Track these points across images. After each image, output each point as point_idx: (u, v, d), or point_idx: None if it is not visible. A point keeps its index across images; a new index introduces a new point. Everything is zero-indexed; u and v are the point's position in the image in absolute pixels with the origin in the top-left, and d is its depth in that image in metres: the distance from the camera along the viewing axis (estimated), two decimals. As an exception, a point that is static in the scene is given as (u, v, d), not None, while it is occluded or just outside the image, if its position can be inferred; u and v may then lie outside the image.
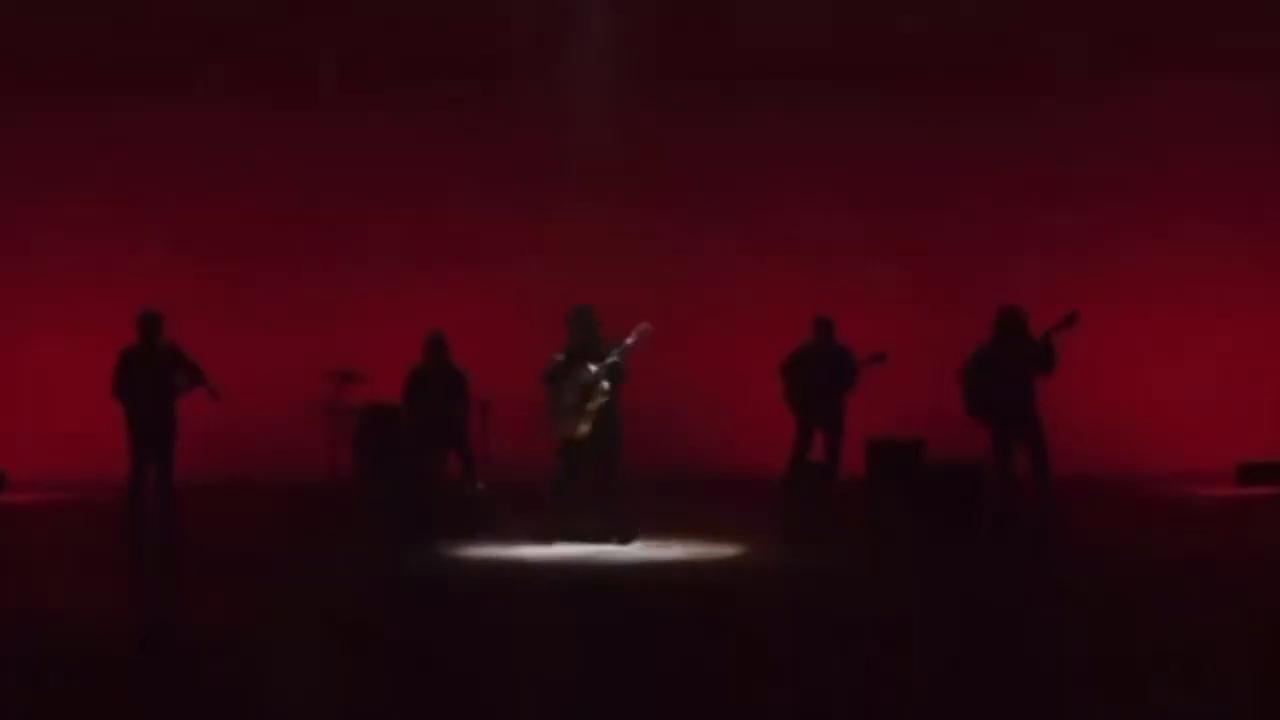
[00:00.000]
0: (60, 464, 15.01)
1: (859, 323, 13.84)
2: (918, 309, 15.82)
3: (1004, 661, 7.07)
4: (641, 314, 11.07)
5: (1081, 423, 14.21)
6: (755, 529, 11.45)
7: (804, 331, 13.38)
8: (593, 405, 10.49)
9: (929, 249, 16.19)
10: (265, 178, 16.12)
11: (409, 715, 6.22)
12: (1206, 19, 15.44)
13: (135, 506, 11.71)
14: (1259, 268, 16.19)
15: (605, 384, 10.51)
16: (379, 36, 15.65)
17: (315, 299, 16.09)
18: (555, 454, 10.78)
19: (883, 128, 16.00)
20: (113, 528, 11.94)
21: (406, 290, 15.92)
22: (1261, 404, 16.03)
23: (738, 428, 15.47)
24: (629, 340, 10.52)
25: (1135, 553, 10.40)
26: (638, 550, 10.47)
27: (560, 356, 10.75)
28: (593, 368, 10.50)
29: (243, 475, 14.88)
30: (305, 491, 13.60)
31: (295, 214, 16.18)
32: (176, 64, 15.54)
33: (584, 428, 10.52)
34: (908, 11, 15.53)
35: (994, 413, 11.77)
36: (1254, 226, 16.15)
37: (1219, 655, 7.04)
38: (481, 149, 16.03)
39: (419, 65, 15.77)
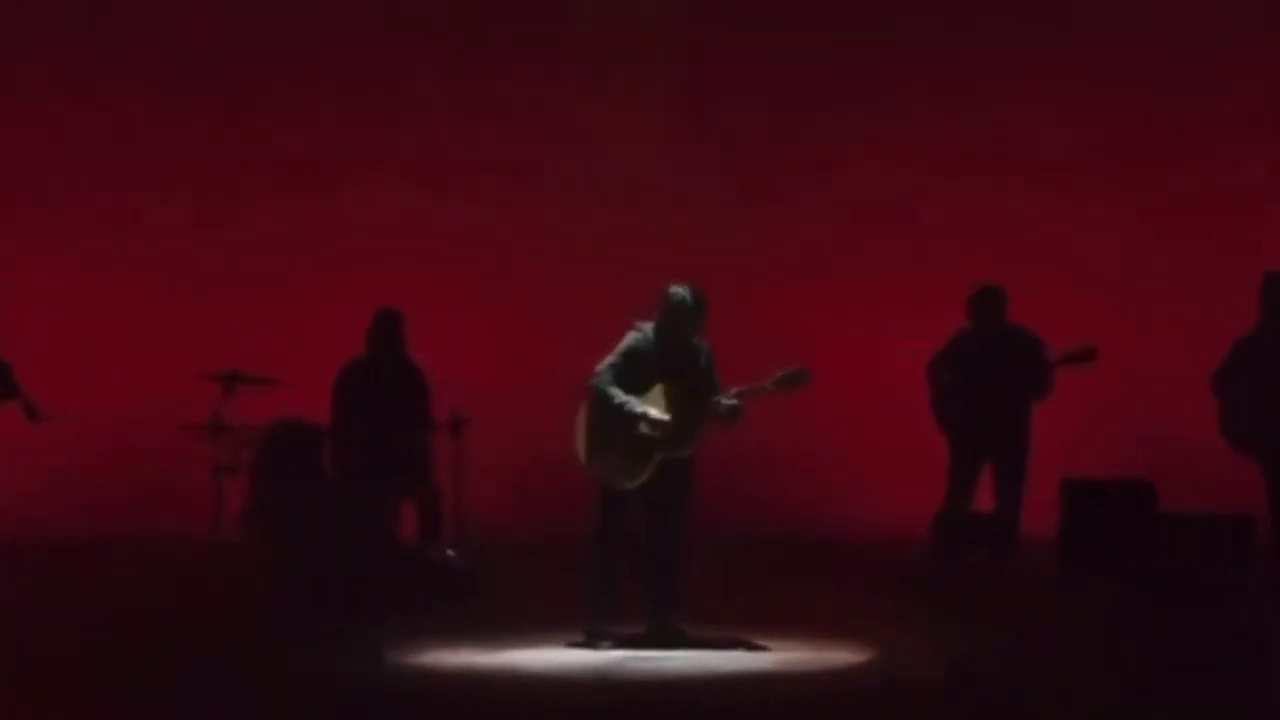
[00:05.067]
0: None
1: (1043, 300, 13.04)
2: (1137, 280, 15.11)
3: None
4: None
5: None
6: (888, 619, 10.93)
7: (957, 311, 12.56)
8: (669, 452, 9.95)
9: (1154, 194, 15.32)
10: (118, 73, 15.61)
11: None
12: None
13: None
14: None
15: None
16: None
17: (194, 259, 15.38)
18: (596, 504, 10.21)
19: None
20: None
21: (338, 244, 15.25)
22: None
23: (855, 462, 14.93)
24: (767, 384, 9.98)
25: None
26: (711, 656, 9.93)
27: (641, 344, 10.10)
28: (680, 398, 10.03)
29: (91, 531, 14.40)
30: (182, 553, 13.30)
31: (170, 129, 15.49)
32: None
33: (640, 478, 9.97)
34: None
35: (1266, 439, 11.45)
36: None
37: None
38: (455, 31, 15.55)
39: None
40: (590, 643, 9.96)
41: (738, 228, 15.38)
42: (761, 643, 10.05)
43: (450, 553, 11.94)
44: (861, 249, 15.52)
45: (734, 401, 10.00)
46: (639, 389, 9.97)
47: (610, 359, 10.04)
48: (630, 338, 10.09)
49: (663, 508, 10.12)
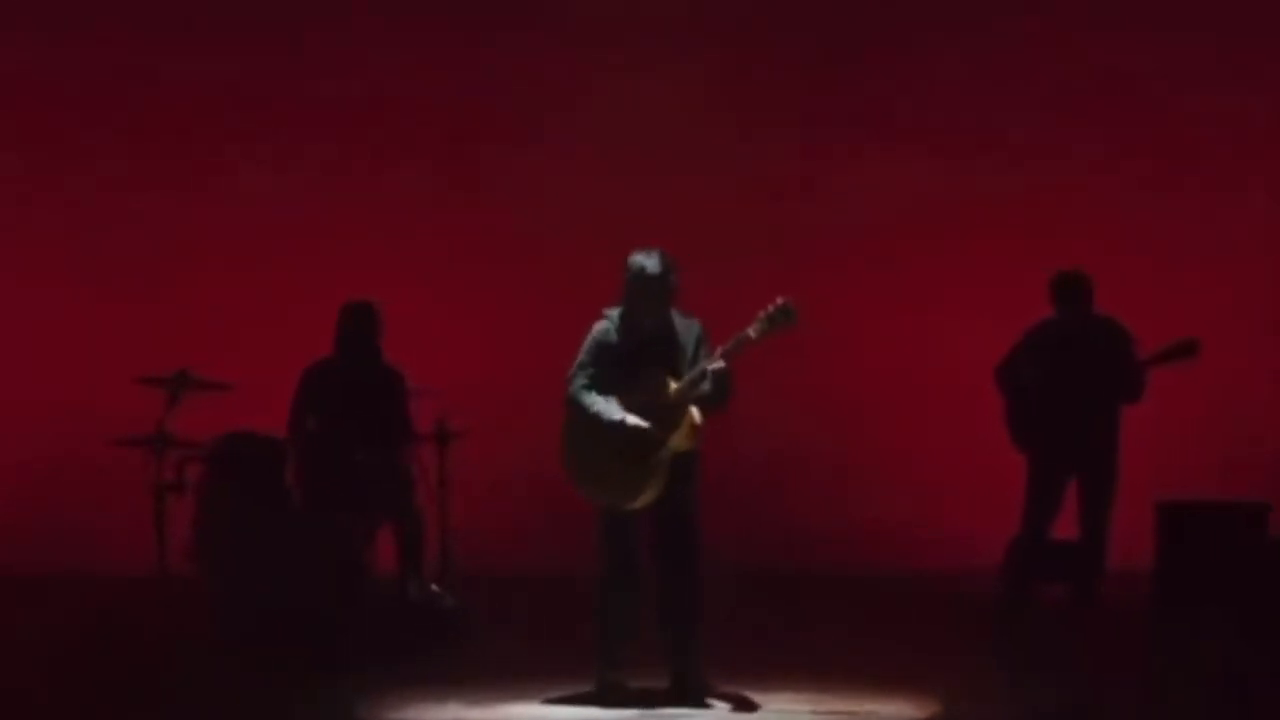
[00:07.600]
0: None
1: (1134, 286, 12.88)
2: (1240, 265, 14.71)
3: None
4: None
5: None
6: (954, 665, 10.74)
7: (1032, 303, 12.20)
8: (670, 449, 9.72)
9: (1264, 165, 14.80)
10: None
11: None
12: None
13: None
14: None
15: (695, 413, 9.78)
16: None
17: (133, 241, 15.01)
18: (599, 531, 9.99)
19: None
20: None
21: (305, 229, 14.85)
22: None
23: (912, 478, 14.49)
24: (750, 331, 9.66)
25: None
26: (744, 714, 9.64)
27: (609, 334, 9.90)
28: (672, 383, 9.80)
29: (5, 564, 14.16)
30: (117, 590, 13.09)
31: (108, 97, 15.12)
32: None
33: (649, 492, 9.70)
34: None
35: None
36: None
37: None
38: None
39: None
40: (601, 696, 9.76)
41: (770, 210, 15.04)
42: (756, 699, 9.74)
43: (434, 588, 11.90)
44: (914, 230, 15.11)
45: (719, 364, 9.68)
46: (618, 385, 9.76)
47: (578, 358, 9.93)
48: (595, 328, 9.94)
49: (668, 524, 9.82)
